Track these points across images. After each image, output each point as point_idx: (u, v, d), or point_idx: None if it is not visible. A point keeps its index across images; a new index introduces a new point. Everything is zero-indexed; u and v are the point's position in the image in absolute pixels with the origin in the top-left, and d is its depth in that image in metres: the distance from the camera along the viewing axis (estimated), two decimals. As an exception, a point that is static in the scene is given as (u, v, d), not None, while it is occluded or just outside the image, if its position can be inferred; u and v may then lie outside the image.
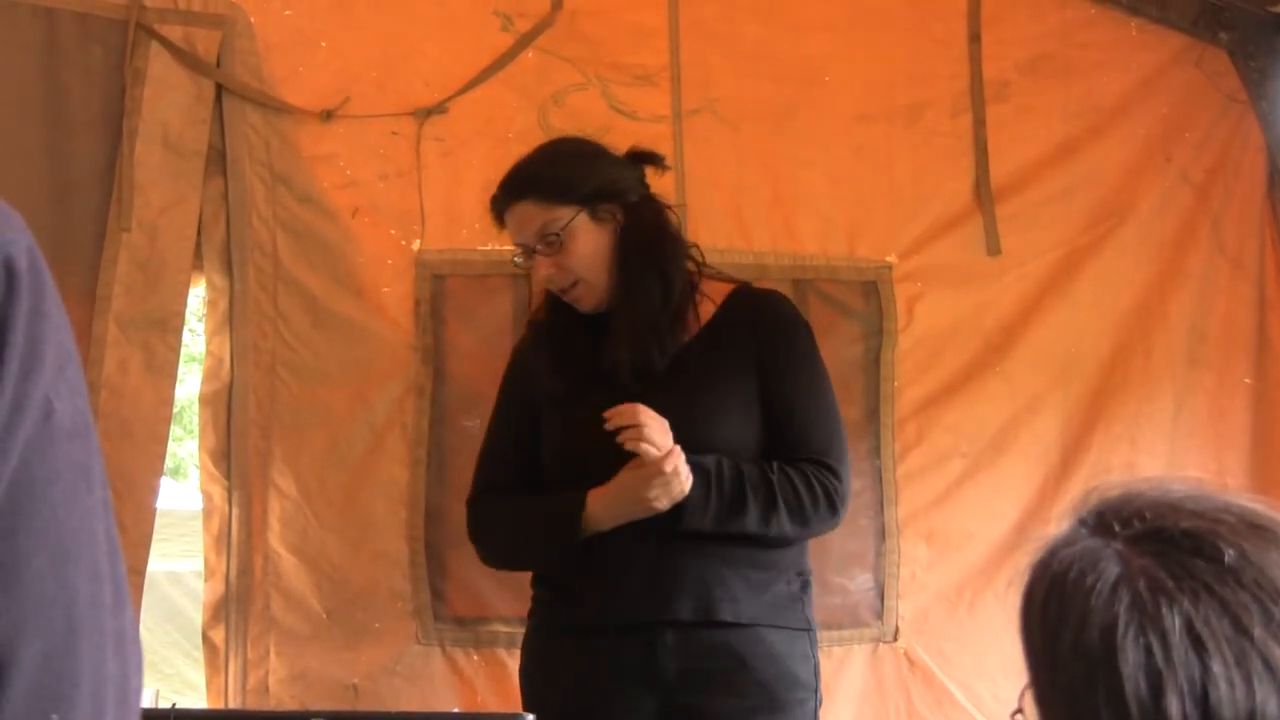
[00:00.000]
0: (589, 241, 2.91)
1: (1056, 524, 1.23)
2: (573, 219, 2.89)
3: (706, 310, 2.97)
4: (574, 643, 2.93)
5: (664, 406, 2.79)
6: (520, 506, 3.00)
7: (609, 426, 2.73)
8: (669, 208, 3.03)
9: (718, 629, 2.83)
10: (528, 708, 3.00)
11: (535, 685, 3.02)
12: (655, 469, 2.72)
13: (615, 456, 2.77)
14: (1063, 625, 1.13)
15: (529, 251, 2.95)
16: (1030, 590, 1.20)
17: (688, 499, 2.77)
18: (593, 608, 2.89)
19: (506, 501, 3.04)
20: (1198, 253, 3.71)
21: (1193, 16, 3.72)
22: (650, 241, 2.93)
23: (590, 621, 2.89)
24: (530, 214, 2.92)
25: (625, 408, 2.74)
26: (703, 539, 2.82)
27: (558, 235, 2.89)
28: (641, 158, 3.03)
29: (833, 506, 2.86)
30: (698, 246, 3.05)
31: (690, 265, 3.00)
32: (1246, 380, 3.70)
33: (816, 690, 2.91)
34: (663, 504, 2.76)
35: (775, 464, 2.84)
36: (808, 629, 2.92)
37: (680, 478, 2.74)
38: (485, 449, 3.15)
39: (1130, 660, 1.08)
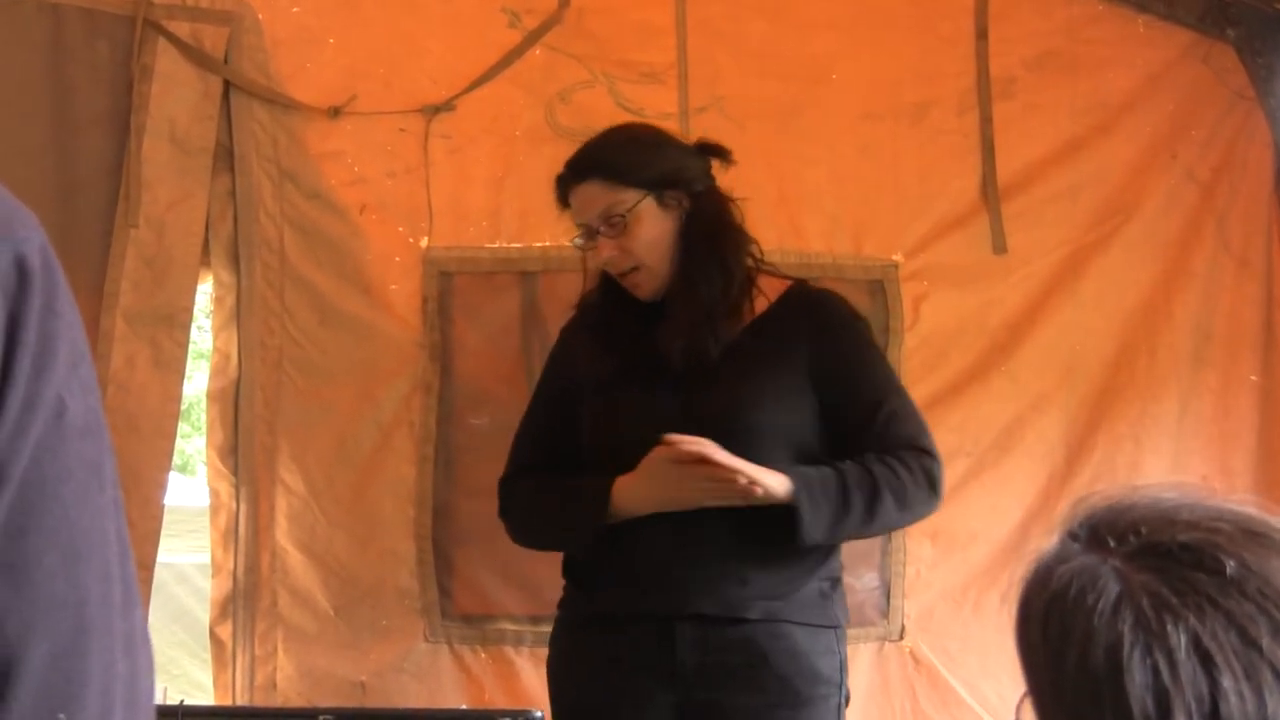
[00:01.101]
0: (653, 227, 2.89)
1: (1047, 538, 1.21)
2: (639, 203, 2.87)
3: (760, 304, 2.95)
4: (593, 635, 2.91)
5: (711, 394, 2.77)
6: (547, 489, 2.99)
7: (670, 451, 2.71)
8: (733, 200, 3.00)
9: (739, 624, 2.81)
10: (553, 701, 2.99)
11: (559, 679, 3.01)
12: (730, 473, 2.69)
13: (654, 444, 2.75)
14: (1066, 646, 1.12)
15: (591, 232, 2.92)
16: (1028, 608, 1.18)
17: (799, 512, 2.73)
18: (611, 600, 2.88)
19: (536, 482, 3.02)
20: (1203, 251, 3.70)
21: (1200, 13, 3.71)
22: (714, 231, 2.91)
23: (608, 613, 2.88)
24: (596, 194, 2.90)
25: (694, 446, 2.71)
26: (728, 536, 2.80)
27: (622, 217, 2.87)
28: (709, 149, 3.01)
29: (933, 488, 2.84)
30: (757, 243, 3.02)
31: (749, 260, 2.98)
32: (1252, 378, 3.69)
33: (841, 686, 2.88)
34: (705, 501, 2.75)
35: (870, 454, 2.82)
36: (834, 626, 2.89)
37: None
38: (523, 428, 3.12)
39: (1137, 680, 1.07)
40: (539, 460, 3.05)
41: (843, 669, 2.89)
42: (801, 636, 2.84)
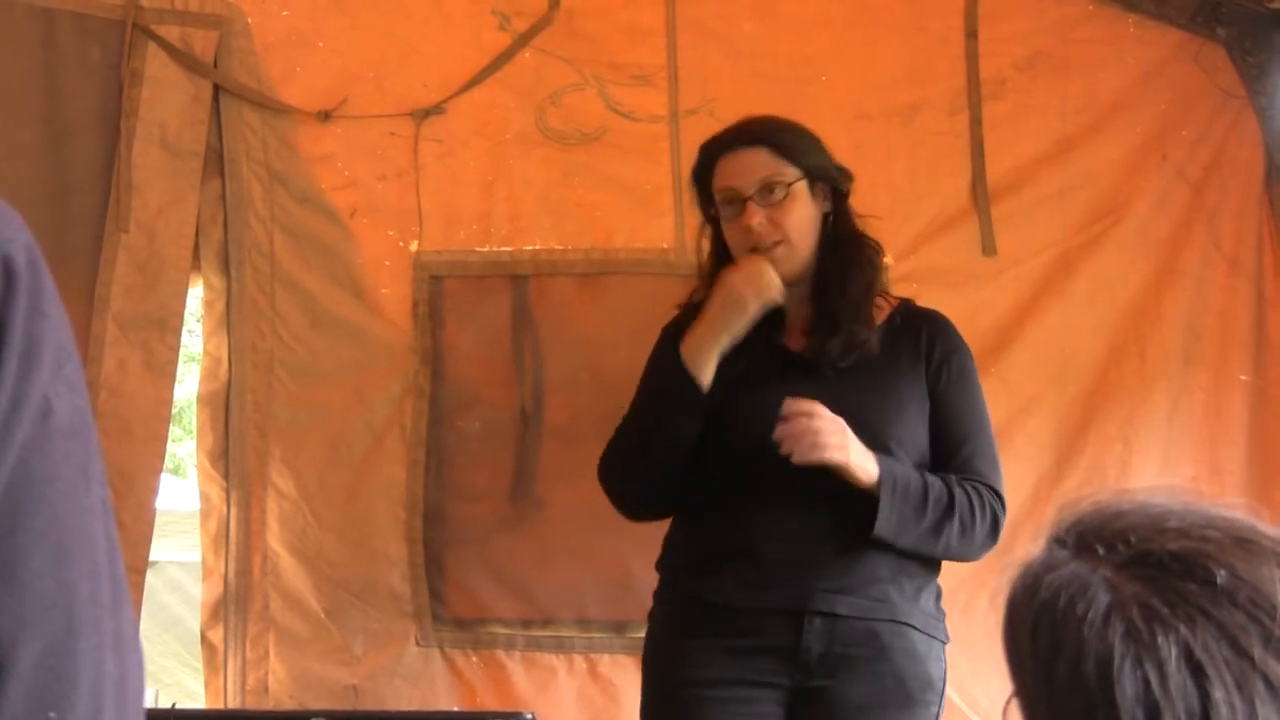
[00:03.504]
0: (805, 209, 2.88)
1: (1034, 544, 1.20)
2: (798, 180, 2.87)
3: (880, 315, 2.94)
4: (710, 620, 2.84)
5: (843, 402, 2.74)
6: (628, 418, 2.94)
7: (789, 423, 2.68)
8: (860, 216, 2.98)
9: (866, 620, 2.79)
10: (652, 682, 2.92)
11: (663, 658, 2.92)
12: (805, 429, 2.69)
13: (774, 447, 2.70)
14: (1056, 656, 1.10)
15: (736, 200, 2.88)
16: (1015, 617, 1.17)
17: (879, 503, 2.72)
18: (733, 593, 2.81)
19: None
20: (1193, 250, 3.69)
21: (1190, 12, 3.71)
22: (857, 235, 2.94)
23: (729, 605, 2.82)
24: (760, 161, 2.87)
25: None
26: (855, 537, 2.76)
27: (786, 188, 2.86)
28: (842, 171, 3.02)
29: (994, 532, 2.85)
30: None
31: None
32: (1243, 377, 3.68)
33: (942, 697, 2.88)
34: (750, 302, 2.77)
35: (954, 477, 2.82)
36: (944, 641, 2.89)
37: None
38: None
39: (1128, 693, 1.05)
40: None
41: (944, 682, 2.89)
42: (919, 640, 2.84)
